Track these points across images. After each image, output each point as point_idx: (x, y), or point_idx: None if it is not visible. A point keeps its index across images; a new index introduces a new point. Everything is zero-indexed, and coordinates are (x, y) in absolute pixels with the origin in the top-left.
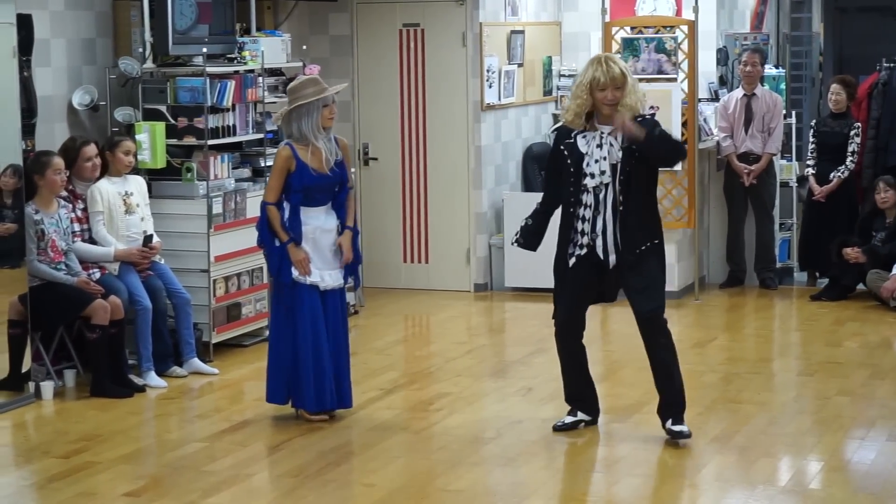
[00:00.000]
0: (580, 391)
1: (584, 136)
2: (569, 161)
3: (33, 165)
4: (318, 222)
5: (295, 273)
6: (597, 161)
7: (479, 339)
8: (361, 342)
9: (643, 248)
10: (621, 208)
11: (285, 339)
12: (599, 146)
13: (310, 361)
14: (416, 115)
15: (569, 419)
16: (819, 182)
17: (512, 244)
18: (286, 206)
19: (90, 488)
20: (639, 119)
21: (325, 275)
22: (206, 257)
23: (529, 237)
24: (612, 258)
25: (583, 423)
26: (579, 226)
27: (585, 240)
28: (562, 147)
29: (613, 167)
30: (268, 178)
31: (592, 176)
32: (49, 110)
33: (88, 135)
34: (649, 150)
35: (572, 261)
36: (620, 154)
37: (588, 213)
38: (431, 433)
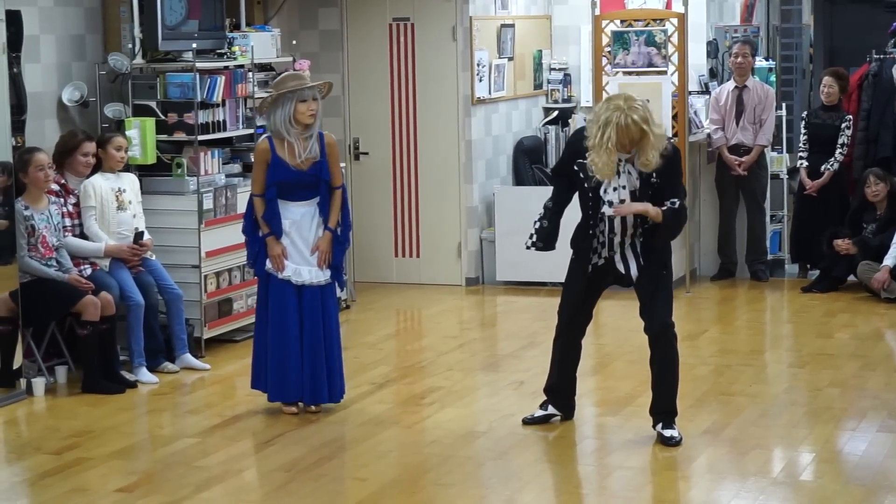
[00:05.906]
0: (562, 386)
1: None
2: (586, 185)
3: (17, 163)
4: (297, 217)
5: (269, 265)
6: (615, 189)
7: (471, 332)
8: (353, 337)
9: (667, 269)
10: (642, 228)
11: (259, 328)
12: (618, 174)
13: (274, 352)
14: (407, 110)
15: (539, 413)
16: (810, 174)
17: (528, 248)
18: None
19: (82, 484)
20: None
21: (303, 270)
22: (197, 253)
23: (548, 238)
24: (634, 272)
25: (554, 419)
26: (598, 239)
27: (605, 252)
28: (576, 167)
29: (632, 193)
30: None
31: (611, 204)
32: (39, 107)
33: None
34: (664, 231)
35: (590, 268)
36: (638, 183)
37: (605, 231)
38: (423, 427)
